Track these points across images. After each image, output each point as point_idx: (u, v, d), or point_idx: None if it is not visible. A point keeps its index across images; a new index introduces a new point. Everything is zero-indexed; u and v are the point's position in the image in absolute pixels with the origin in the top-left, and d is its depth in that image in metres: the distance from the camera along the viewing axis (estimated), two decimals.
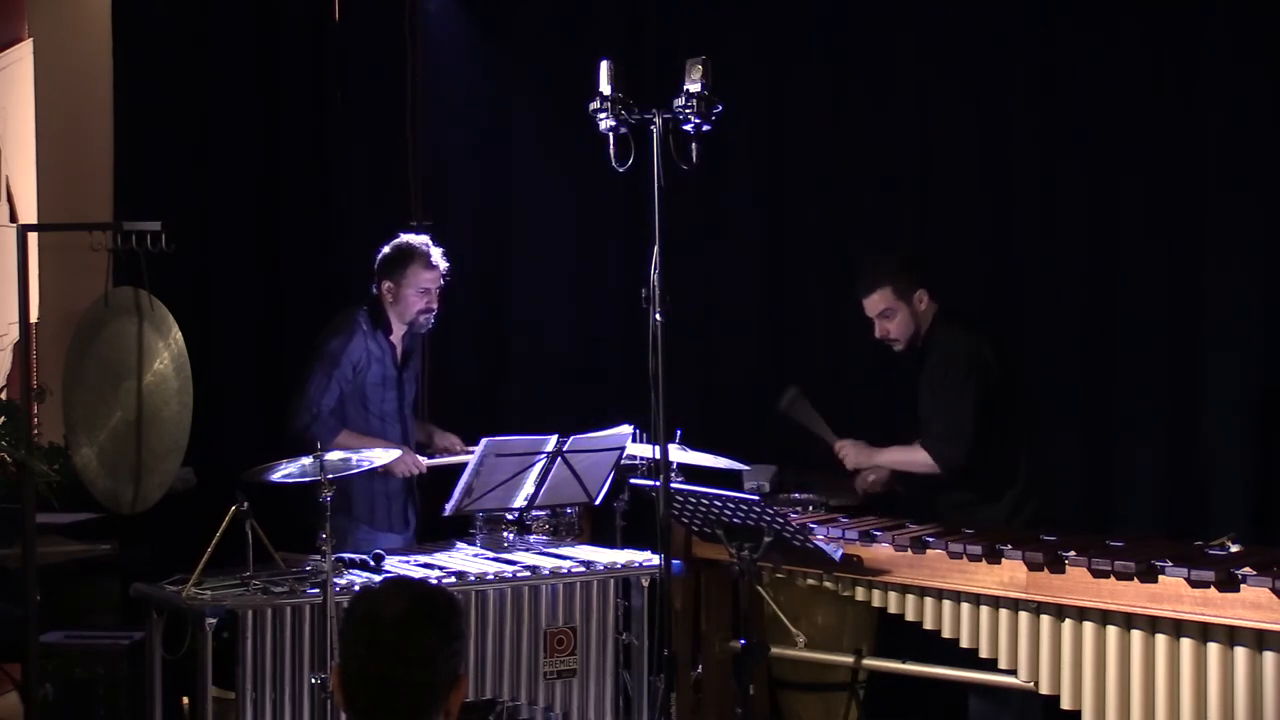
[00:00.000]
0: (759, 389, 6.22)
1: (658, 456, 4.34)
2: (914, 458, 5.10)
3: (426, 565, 4.84)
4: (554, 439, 5.11)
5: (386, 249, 5.40)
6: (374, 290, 5.39)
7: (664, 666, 4.56)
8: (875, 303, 5.18)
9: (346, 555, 4.74)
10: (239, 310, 6.41)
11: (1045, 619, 4.26)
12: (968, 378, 5.00)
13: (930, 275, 5.20)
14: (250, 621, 4.34)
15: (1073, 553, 4.18)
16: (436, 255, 5.37)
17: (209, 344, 6.13)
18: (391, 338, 5.38)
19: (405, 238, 5.44)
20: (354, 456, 4.69)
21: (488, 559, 4.97)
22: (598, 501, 5.32)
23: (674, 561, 4.61)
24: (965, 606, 4.43)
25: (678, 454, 5.19)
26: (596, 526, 5.59)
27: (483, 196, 6.72)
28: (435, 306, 5.39)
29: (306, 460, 4.51)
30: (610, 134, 4.32)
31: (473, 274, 6.33)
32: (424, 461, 5.40)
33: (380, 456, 4.81)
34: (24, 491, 4.76)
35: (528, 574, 4.81)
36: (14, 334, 5.67)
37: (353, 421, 5.30)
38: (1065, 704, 4.22)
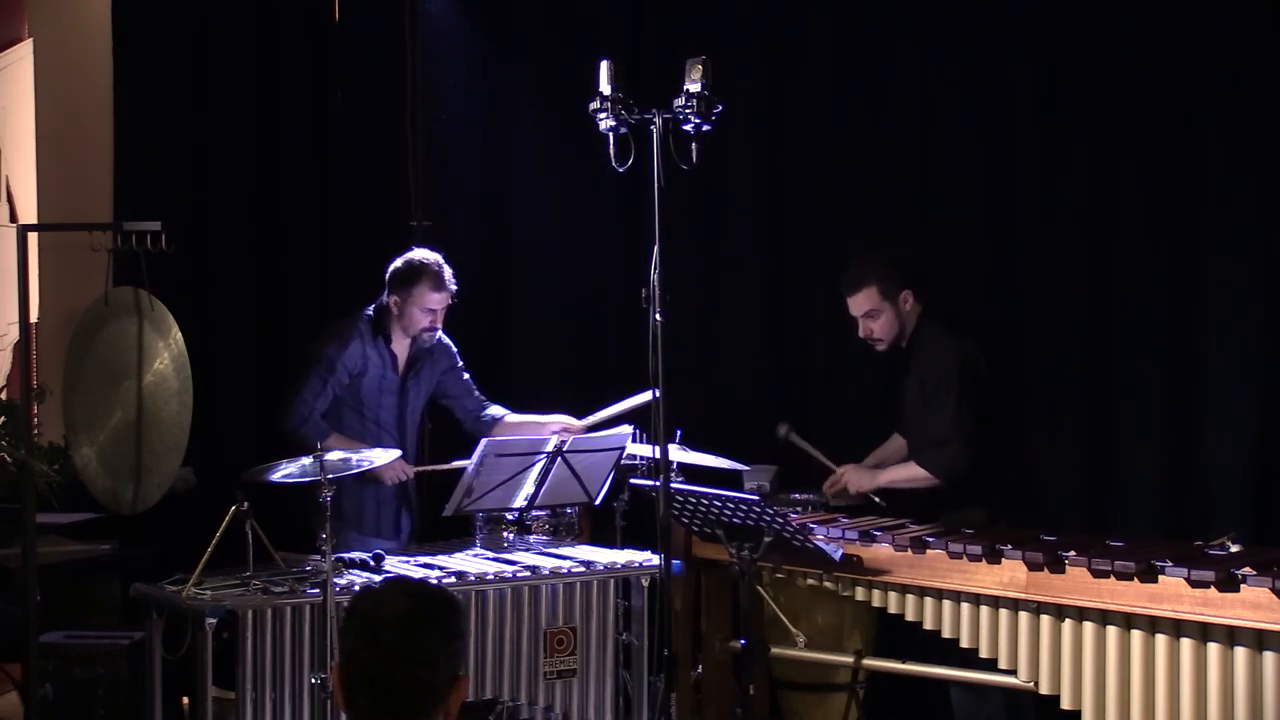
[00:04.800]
0: (759, 389, 6.23)
1: (658, 456, 4.35)
2: (914, 474, 5.11)
3: (426, 565, 4.84)
4: (554, 439, 5.11)
5: (399, 262, 5.34)
6: (382, 300, 5.37)
7: (664, 666, 4.57)
8: (860, 302, 5.19)
9: (346, 555, 4.74)
10: (239, 310, 6.41)
11: (1045, 619, 4.25)
12: (961, 382, 5.02)
13: (919, 275, 5.21)
14: (250, 621, 4.34)
15: (1073, 553, 4.18)
16: (447, 277, 5.33)
17: (209, 344, 6.13)
18: (392, 346, 5.36)
19: (419, 254, 5.36)
20: (354, 457, 4.69)
21: (488, 559, 4.97)
22: (598, 501, 5.32)
23: (674, 561, 4.61)
24: (965, 606, 4.43)
25: (678, 454, 5.20)
26: (596, 526, 5.59)
27: (483, 196, 6.72)
28: (439, 326, 5.37)
29: (306, 460, 4.51)
30: (610, 134, 4.32)
31: (472, 274, 6.32)
32: (411, 469, 5.38)
33: (379, 457, 4.81)
34: (24, 491, 4.76)
35: (528, 574, 4.81)
36: (14, 334, 5.66)
37: (349, 427, 5.29)
38: (1065, 704, 4.21)
